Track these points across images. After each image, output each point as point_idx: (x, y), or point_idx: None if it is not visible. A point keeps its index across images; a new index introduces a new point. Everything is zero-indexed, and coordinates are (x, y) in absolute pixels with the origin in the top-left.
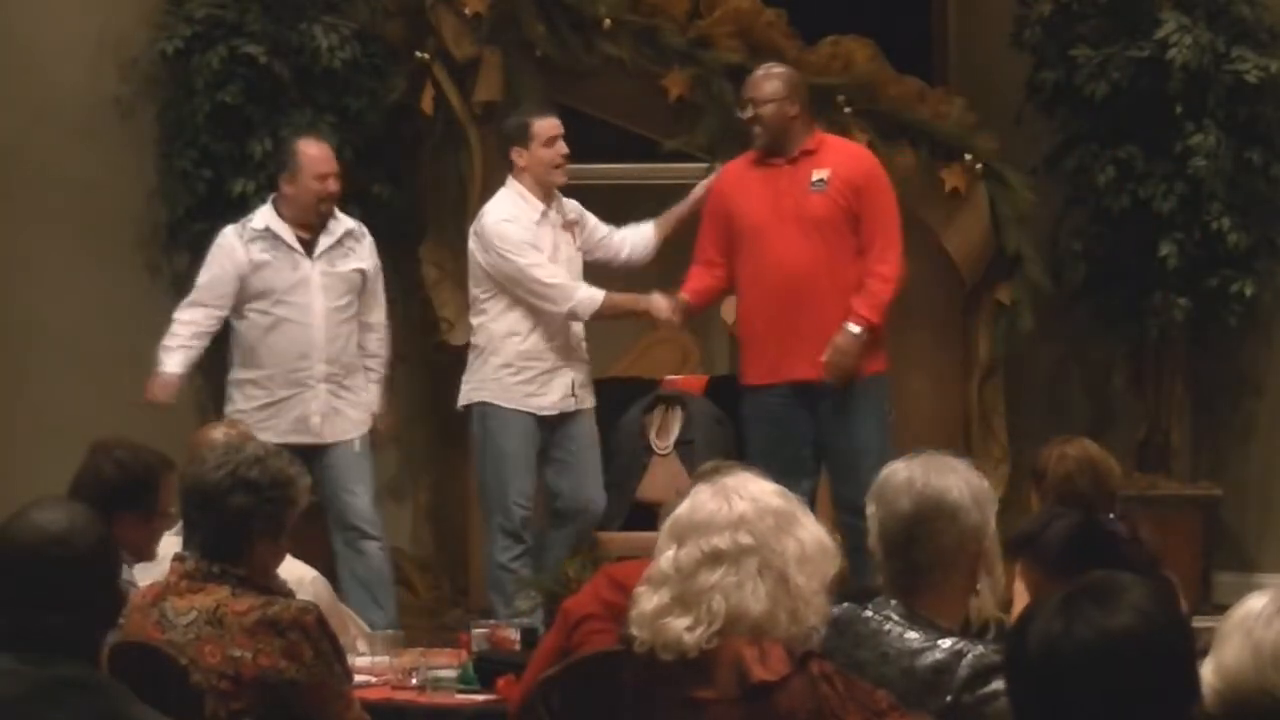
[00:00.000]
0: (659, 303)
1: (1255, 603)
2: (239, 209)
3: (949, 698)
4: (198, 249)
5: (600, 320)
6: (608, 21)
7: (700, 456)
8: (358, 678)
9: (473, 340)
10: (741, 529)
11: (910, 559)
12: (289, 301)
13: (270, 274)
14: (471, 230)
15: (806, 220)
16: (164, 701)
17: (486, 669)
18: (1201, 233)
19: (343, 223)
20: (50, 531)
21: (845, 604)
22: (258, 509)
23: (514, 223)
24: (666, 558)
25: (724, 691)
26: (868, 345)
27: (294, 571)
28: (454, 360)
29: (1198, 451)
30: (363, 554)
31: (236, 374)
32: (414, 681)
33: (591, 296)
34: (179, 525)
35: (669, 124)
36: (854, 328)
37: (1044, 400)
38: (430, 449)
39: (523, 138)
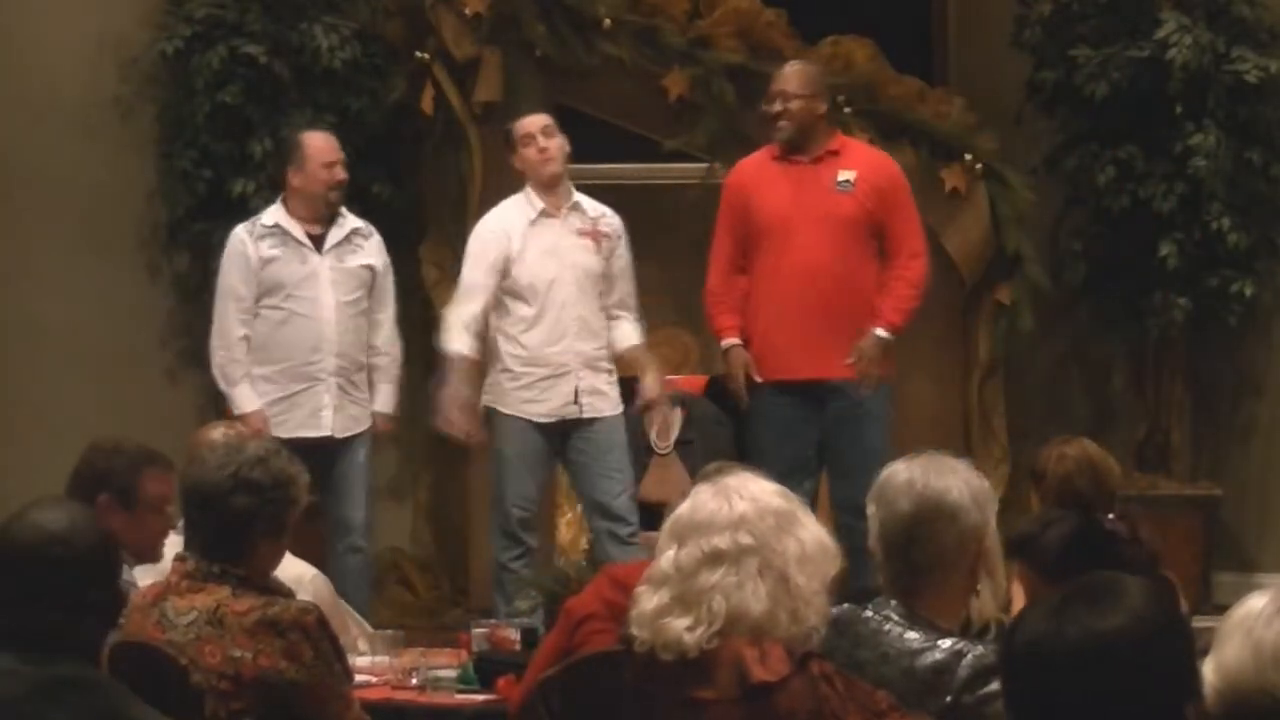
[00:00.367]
0: (457, 421)
1: (1255, 602)
2: (239, 209)
3: (949, 698)
4: (198, 249)
5: None
6: (608, 21)
7: (700, 456)
8: (358, 678)
9: None
10: (742, 529)
11: (910, 560)
12: (299, 296)
13: (279, 269)
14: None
15: (832, 219)
16: (164, 701)
17: (486, 669)
18: (1201, 233)
19: (350, 220)
20: (50, 531)
21: (845, 604)
22: (260, 509)
23: (488, 232)
24: (667, 558)
25: (724, 692)
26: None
27: (294, 570)
28: None
29: (1198, 451)
30: (347, 565)
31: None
32: (414, 681)
33: (454, 351)
34: (181, 525)
35: (669, 124)
36: (883, 333)
37: (1044, 400)
38: (430, 449)
39: (510, 143)
